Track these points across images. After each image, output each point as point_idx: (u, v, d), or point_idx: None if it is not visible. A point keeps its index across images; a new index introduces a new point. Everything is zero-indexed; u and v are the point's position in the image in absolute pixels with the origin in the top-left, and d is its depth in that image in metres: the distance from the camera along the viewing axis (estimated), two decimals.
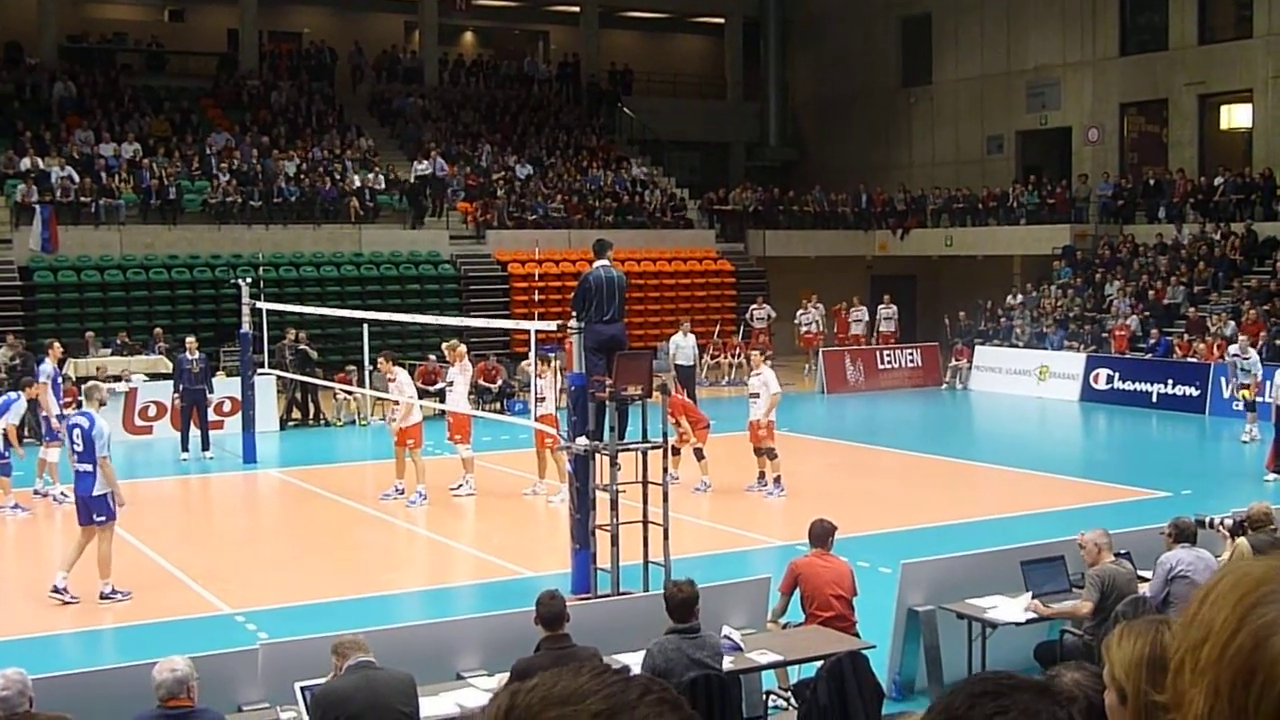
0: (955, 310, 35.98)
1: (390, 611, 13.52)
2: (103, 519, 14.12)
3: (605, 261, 14.12)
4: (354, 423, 27.61)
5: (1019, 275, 38.94)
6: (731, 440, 20.69)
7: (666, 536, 13.37)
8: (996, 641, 10.42)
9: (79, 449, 14.12)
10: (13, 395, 19.29)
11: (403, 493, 19.35)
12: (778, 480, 19.55)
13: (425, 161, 37.01)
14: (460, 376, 19.89)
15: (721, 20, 50.03)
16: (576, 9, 47.36)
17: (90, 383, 15.57)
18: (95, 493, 14.02)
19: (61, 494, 19.41)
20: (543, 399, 18.18)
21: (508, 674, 8.43)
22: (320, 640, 9.15)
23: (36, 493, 19.76)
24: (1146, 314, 32.25)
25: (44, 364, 21.37)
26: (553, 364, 19.56)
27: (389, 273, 35.42)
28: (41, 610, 14.00)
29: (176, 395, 23.73)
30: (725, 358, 34.99)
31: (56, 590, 14.08)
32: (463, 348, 20.14)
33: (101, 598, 14.11)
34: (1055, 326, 33.62)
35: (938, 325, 37.42)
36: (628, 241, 35.27)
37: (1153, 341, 30.79)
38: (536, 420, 17.56)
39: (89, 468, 14.04)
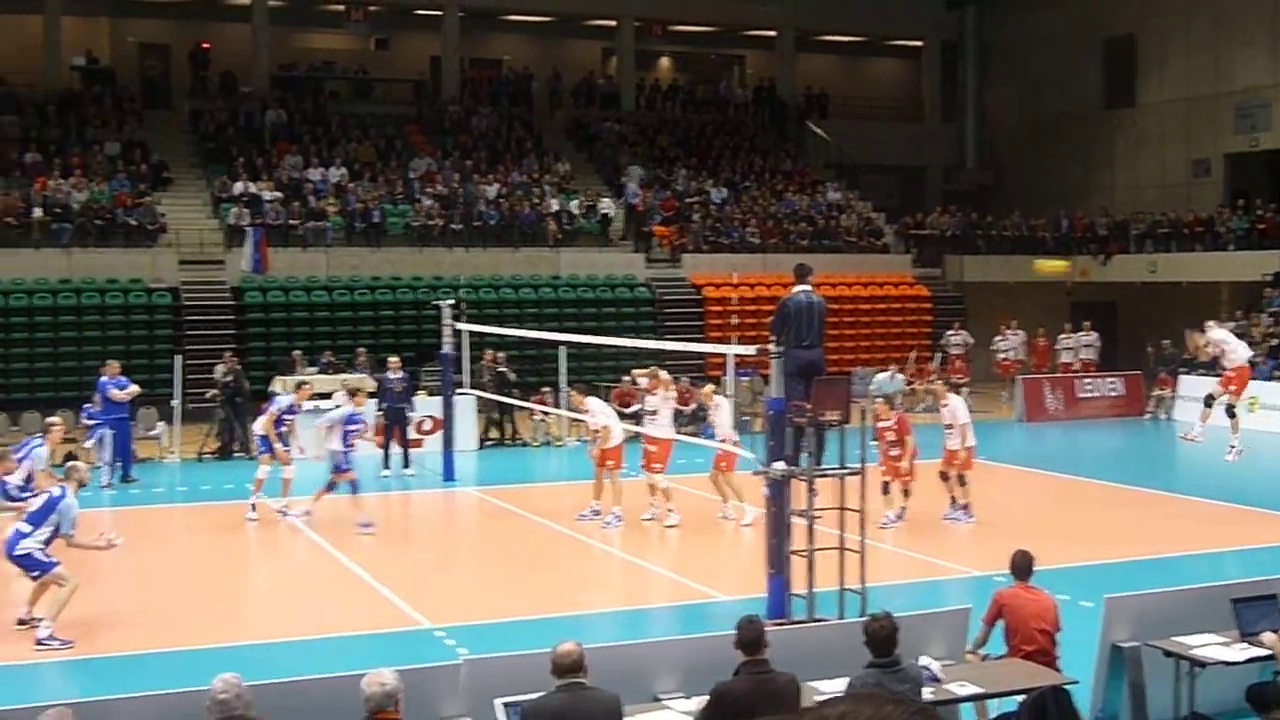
0: (1159, 338, 35.06)
1: (586, 631, 13.61)
2: (36, 574, 13.84)
3: (806, 286, 14.10)
4: (549, 443, 27.96)
5: (1227, 303, 37.81)
6: (930, 468, 20.44)
7: (863, 563, 13.29)
8: (1206, 681, 10.13)
9: (33, 509, 13.95)
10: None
11: (599, 514, 19.51)
12: (966, 507, 19.36)
13: (609, 199, 37.67)
14: (664, 405, 19.90)
15: (919, 43, 49.62)
16: (773, 33, 47.39)
17: (71, 464, 15.18)
18: (16, 552, 13.72)
19: (285, 508, 20.00)
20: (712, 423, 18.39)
21: (706, 697, 8.46)
22: (522, 658, 9.30)
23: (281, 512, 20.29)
24: None
25: (284, 397, 21.92)
26: (722, 387, 19.84)
27: (586, 295, 35.82)
28: (257, 620, 14.44)
29: (379, 413, 24.30)
30: (921, 384, 34.60)
31: (22, 622, 14.09)
32: (665, 374, 20.22)
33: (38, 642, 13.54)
34: (1265, 356, 32.56)
35: (1140, 353, 36.51)
36: (823, 266, 34.95)
37: None
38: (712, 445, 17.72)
39: (29, 529, 13.73)
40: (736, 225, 39.03)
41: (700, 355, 31.01)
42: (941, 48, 48.95)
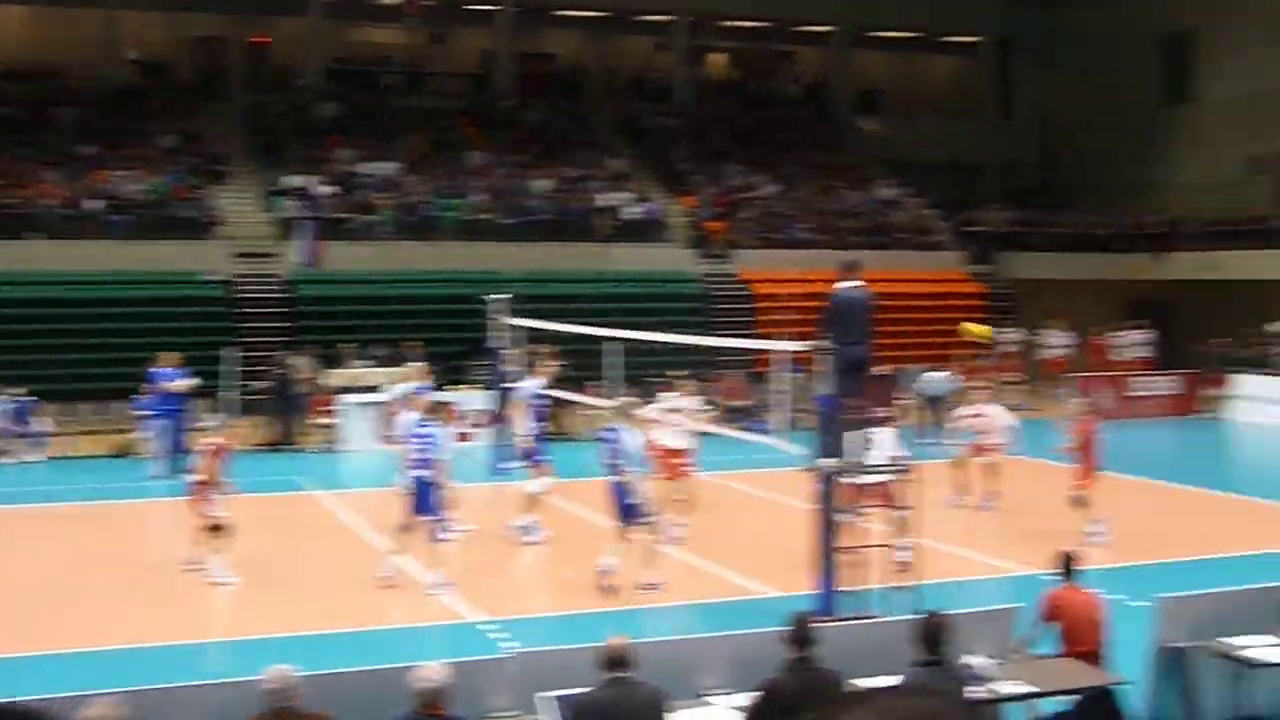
0: (1213, 337, 34.73)
1: (632, 626, 13.59)
2: (639, 521, 15.16)
3: (854, 282, 14.04)
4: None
5: None
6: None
7: (910, 562, 13.23)
8: (1259, 683, 10.01)
9: (613, 460, 15.12)
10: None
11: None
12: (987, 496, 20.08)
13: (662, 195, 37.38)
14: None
15: (974, 39, 49.33)
16: (827, 29, 47.23)
17: (620, 400, 16.56)
18: (628, 501, 14.99)
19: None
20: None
21: (752, 693, 8.44)
22: (570, 652, 9.29)
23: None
24: None
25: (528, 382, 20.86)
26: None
27: (636, 291, 35.77)
28: (308, 611, 14.51)
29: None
30: (971, 382, 34.31)
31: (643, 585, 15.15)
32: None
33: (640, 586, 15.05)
34: None
35: (1194, 352, 36.17)
36: (876, 262, 34.44)
37: None
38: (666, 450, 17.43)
39: (622, 477, 15.01)
40: (789, 221, 38.93)
41: (750, 352, 30.90)
42: (997, 43, 48.70)
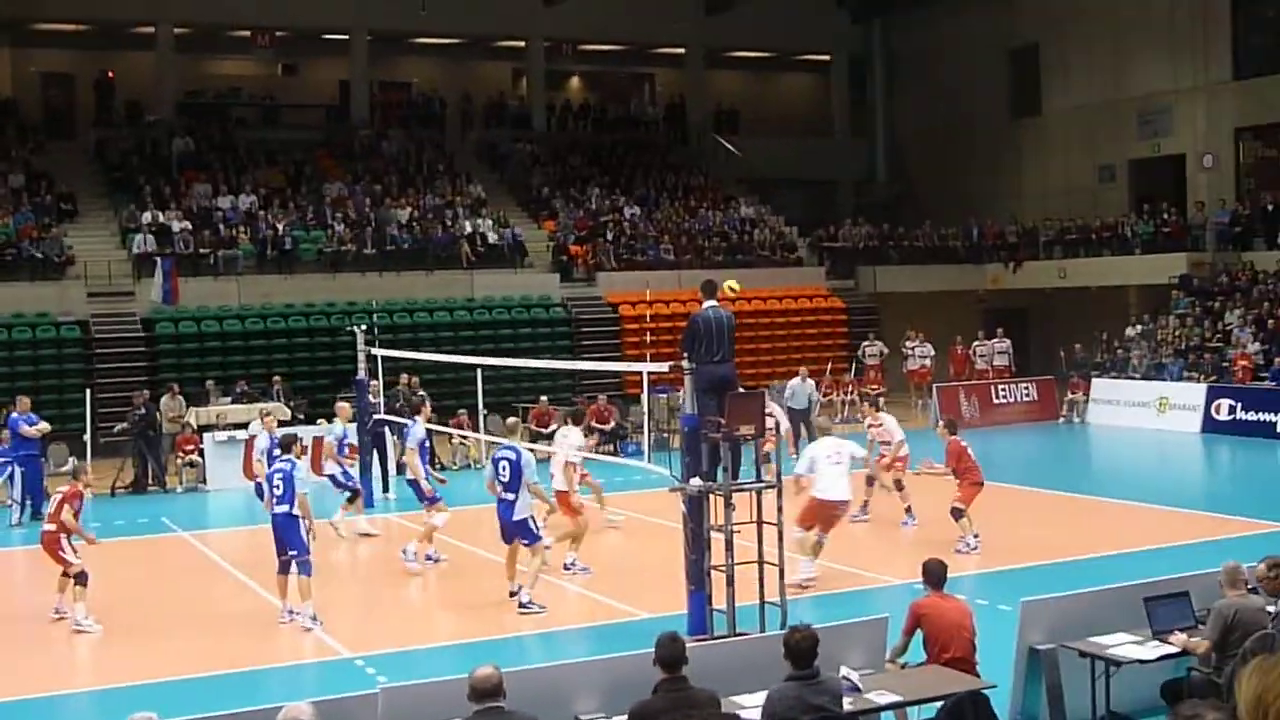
0: (1070, 343, 35.52)
1: (507, 654, 13.53)
2: (526, 541, 15.67)
3: (713, 302, 14.14)
4: (469, 466, 27.79)
5: (1135, 306, 38.39)
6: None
7: (782, 576, 13.34)
8: (1121, 680, 10.23)
9: (504, 479, 15.46)
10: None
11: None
12: (909, 510, 20.27)
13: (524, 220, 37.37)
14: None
15: (827, 58, 49.97)
16: (681, 50, 47.57)
17: (511, 419, 17.12)
18: (515, 518, 15.53)
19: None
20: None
21: (625, 717, 8.43)
22: (441, 684, 9.20)
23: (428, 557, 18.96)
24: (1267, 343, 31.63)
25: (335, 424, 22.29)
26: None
27: (501, 317, 35.72)
28: (174, 654, 14.23)
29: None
30: (837, 395, 34.76)
31: (523, 605, 15.57)
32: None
33: (520, 605, 15.57)
34: (1174, 357, 33.06)
35: (1052, 358, 36.96)
36: (738, 281, 34.86)
37: (1276, 369, 30.19)
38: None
39: (511, 496, 15.47)
40: (651, 242, 39.10)
41: (617, 374, 30.98)
42: (849, 62, 49.39)
